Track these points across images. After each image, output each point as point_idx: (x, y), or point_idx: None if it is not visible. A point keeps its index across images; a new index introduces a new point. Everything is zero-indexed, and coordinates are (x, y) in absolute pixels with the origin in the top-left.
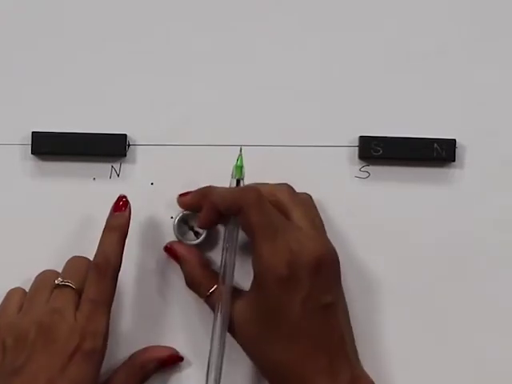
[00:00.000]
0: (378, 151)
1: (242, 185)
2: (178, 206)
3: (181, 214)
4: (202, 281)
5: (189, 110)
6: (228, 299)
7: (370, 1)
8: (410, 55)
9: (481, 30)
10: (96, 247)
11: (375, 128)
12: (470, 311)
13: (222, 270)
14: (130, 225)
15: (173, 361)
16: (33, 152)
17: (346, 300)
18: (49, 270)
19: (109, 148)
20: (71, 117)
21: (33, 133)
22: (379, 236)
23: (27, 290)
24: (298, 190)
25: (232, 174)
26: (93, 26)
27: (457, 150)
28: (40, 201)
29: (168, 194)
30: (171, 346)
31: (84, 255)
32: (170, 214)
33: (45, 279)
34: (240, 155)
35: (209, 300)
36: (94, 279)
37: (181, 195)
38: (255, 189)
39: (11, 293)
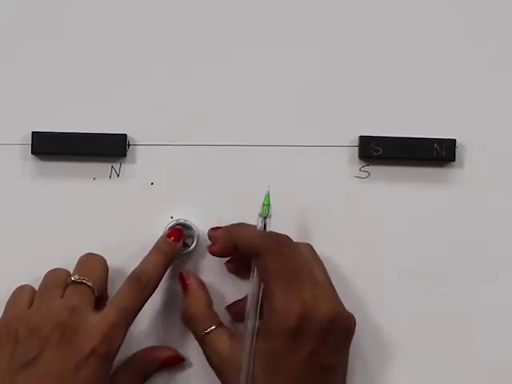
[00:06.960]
0: (378, 151)
1: (268, 222)
2: (178, 207)
3: (170, 225)
4: (202, 320)
5: (188, 110)
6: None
7: (370, 1)
8: (410, 55)
9: (481, 30)
10: (97, 246)
11: (375, 128)
12: (470, 311)
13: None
14: (130, 224)
15: (174, 361)
16: (33, 152)
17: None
18: (59, 268)
19: (109, 148)
20: (71, 117)
21: (33, 133)
22: (379, 236)
23: None
24: (298, 190)
25: (260, 212)
26: (93, 26)
27: (457, 149)
28: (40, 201)
29: (168, 194)
30: (172, 346)
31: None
32: (169, 213)
33: (56, 276)
34: (267, 194)
35: (203, 339)
36: (130, 290)
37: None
38: (277, 237)
39: (19, 289)
